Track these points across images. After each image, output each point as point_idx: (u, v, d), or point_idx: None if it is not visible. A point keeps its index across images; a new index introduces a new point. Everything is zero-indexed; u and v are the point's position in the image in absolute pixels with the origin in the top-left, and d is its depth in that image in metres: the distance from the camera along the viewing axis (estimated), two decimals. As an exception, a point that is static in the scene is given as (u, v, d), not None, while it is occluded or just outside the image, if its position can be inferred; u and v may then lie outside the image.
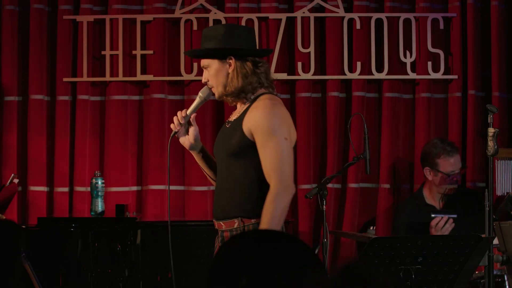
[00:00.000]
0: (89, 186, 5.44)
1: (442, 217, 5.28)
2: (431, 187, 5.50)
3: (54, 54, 5.84)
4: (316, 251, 5.18)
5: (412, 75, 5.86)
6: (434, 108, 5.88)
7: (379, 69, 5.85)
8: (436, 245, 3.98)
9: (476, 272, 4.78)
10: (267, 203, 3.74)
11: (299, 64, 5.83)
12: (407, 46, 5.85)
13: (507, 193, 5.39)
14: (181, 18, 5.84)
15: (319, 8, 5.90)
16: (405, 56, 5.86)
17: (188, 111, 4.00)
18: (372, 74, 5.84)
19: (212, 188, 5.39)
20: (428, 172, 5.47)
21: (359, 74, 5.83)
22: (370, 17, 5.85)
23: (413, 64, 5.87)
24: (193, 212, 5.77)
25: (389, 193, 5.82)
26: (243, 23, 5.77)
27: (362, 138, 4.82)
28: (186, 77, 5.82)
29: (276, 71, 5.79)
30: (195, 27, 5.82)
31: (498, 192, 5.51)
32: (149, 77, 5.83)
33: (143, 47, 5.85)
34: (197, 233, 5.21)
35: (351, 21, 5.86)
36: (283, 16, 5.84)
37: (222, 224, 3.91)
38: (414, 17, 5.86)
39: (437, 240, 4.06)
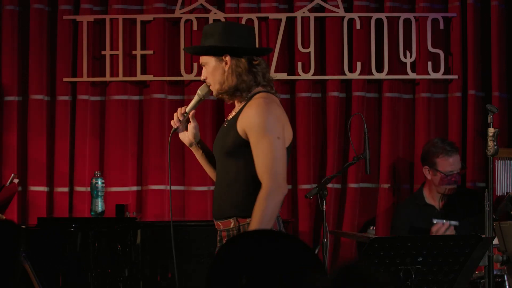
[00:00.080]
0: (89, 186, 5.44)
1: (443, 223, 5.28)
2: (430, 187, 5.50)
3: (54, 54, 5.84)
4: (316, 251, 5.18)
5: (412, 75, 5.86)
6: (434, 108, 5.88)
7: (379, 69, 5.85)
8: (436, 245, 3.98)
9: (476, 272, 4.78)
10: (258, 202, 3.74)
11: (299, 64, 5.83)
12: (407, 46, 5.86)
13: (507, 193, 5.39)
14: (181, 18, 5.84)
15: (319, 8, 5.90)
16: (405, 56, 5.86)
17: (187, 109, 4.02)
18: (372, 74, 5.84)
19: (212, 188, 5.39)
20: (427, 171, 5.48)
21: (359, 74, 5.83)
22: (370, 17, 5.85)
23: (413, 64, 5.87)
24: (193, 212, 5.77)
25: (389, 193, 5.82)
26: (243, 23, 5.77)
27: (362, 138, 4.82)
28: (186, 77, 5.82)
29: (276, 71, 5.79)
30: (195, 27, 5.82)
31: (498, 192, 5.51)
32: (149, 77, 5.83)
33: (143, 47, 5.85)
34: (197, 233, 5.21)
35: (351, 21, 5.86)
36: (283, 16, 5.84)
37: (220, 224, 3.92)
38: (414, 17, 5.86)
39: (437, 240, 4.06)
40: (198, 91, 4.02)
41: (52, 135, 5.81)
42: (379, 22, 5.86)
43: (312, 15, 5.85)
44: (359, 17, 5.84)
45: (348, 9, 5.88)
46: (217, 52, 3.91)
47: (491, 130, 4.52)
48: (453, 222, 5.31)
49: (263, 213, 3.72)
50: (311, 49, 5.84)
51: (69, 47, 5.83)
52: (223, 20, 5.80)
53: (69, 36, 5.82)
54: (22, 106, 5.81)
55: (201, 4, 5.87)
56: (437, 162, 5.42)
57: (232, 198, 3.87)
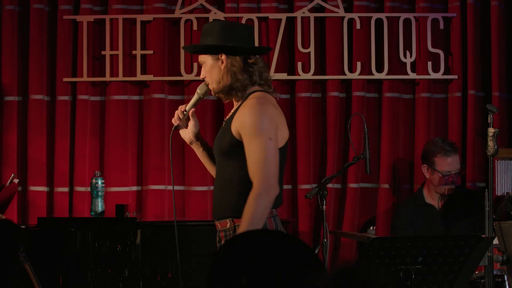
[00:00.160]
0: (89, 186, 5.44)
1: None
2: (430, 187, 5.50)
3: (54, 54, 5.84)
4: (316, 251, 5.18)
5: (412, 75, 5.86)
6: (434, 108, 5.88)
7: (379, 69, 5.85)
8: (436, 245, 3.98)
9: (476, 272, 4.78)
10: (247, 203, 3.73)
11: (299, 64, 5.83)
12: (407, 46, 5.85)
13: (507, 193, 5.39)
14: (181, 18, 5.84)
15: (319, 8, 5.90)
16: (405, 56, 5.86)
17: (187, 107, 4.03)
18: (372, 74, 5.84)
19: (212, 188, 5.39)
20: (425, 170, 5.48)
21: (359, 74, 5.83)
22: (370, 17, 5.85)
23: (413, 64, 5.87)
24: (193, 212, 5.77)
25: (389, 193, 5.82)
26: (243, 23, 5.76)
27: (362, 138, 4.82)
28: (186, 77, 5.82)
29: (276, 71, 5.79)
30: (195, 27, 5.82)
31: (498, 192, 5.51)
32: (149, 77, 5.83)
33: (143, 47, 5.85)
34: (197, 233, 5.21)
35: (351, 21, 5.86)
36: (283, 16, 5.84)
37: (218, 224, 3.93)
38: (414, 17, 5.86)
39: (437, 240, 4.06)
40: (198, 90, 4.04)
41: (52, 135, 5.81)
42: (379, 22, 5.86)
43: (312, 15, 5.85)
44: (359, 17, 5.84)
45: (348, 9, 5.88)
46: (214, 50, 3.92)
47: (491, 130, 4.52)
48: None
49: (253, 214, 3.71)
50: (311, 49, 5.84)
51: (69, 47, 5.82)
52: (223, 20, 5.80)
53: (69, 36, 5.82)
54: (22, 106, 5.81)
55: (201, 4, 5.87)
56: (435, 161, 5.42)
57: (228, 199, 3.87)
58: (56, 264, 5.14)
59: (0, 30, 5.80)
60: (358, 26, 5.83)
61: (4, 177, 5.69)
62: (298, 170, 5.78)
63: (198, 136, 4.08)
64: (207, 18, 5.82)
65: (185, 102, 5.77)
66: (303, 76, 5.82)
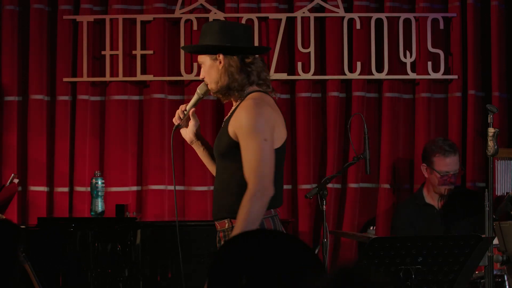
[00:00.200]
0: (89, 186, 5.44)
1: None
2: (429, 187, 5.51)
3: (54, 54, 5.84)
4: (316, 251, 5.18)
5: (412, 75, 5.86)
6: (434, 108, 5.88)
7: (379, 69, 5.85)
8: (436, 245, 3.98)
9: (476, 272, 4.78)
10: (242, 204, 3.72)
11: (299, 64, 5.83)
12: (407, 46, 5.85)
13: (507, 193, 5.39)
14: (181, 18, 5.84)
15: (319, 8, 5.90)
16: (405, 56, 5.86)
17: (187, 107, 4.04)
18: (372, 74, 5.84)
19: (212, 188, 5.39)
20: (424, 169, 5.49)
21: (359, 74, 5.83)
22: (370, 17, 5.85)
23: (413, 64, 5.87)
24: (193, 212, 5.77)
25: (389, 193, 5.82)
26: (243, 23, 5.76)
27: (362, 138, 4.82)
28: (186, 77, 5.82)
29: (276, 71, 5.79)
30: (195, 27, 5.82)
31: (498, 192, 5.51)
32: (149, 77, 5.83)
33: (143, 47, 5.85)
34: (197, 233, 5.21)
35: (351, 21, 5.86)
36: (283, 16, 5.84)
37: (217, 224, 3.93)
38: (414, 17, 5.86)
39: (437, 240, 4.06)
40: (197, 90, 4.05)
41: (52, 135, 5.81)
42: (379, 22, 5.86)
43: (312, 15, 5.85)
44: (359, 17, 5.84)
45: (348, 9, 5.88)
46: (211, 51, 3.92)
47: (491, 130, 4.52)
48: None
49: (247, 216, 3.70)
50: (311, 49, 5.84)
51: (69, 47, 5.82)
52: (223, 20, 5.79)
53: (69, 36, 5.82)
54: (22, 106, 5.81)
55: (201, 4, 5.87)
56: (434, 161, 5.42)
57: (226, 199, 3.88)
58: (56, 264, 5.14)
59: (0, 30, 5.80)
60: (358, 26, 5.84)
61: (4, 177, 5.69)
62: (298, 170, 5.78)
63: (198, 136, 4.10)
64: (207, 18, 5.82)
65: (185, 102, 5.76)
66: (303, 76, 5.82)
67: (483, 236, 4.22)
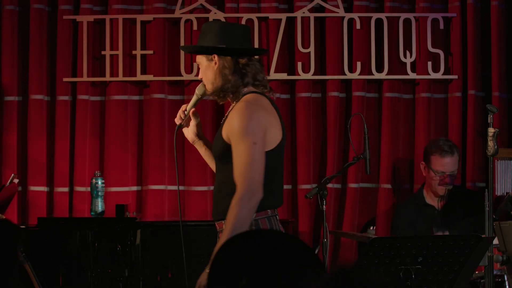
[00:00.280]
0: (89, 186, 5.44)
1: (443, 234, 5.28)
2: (428, 187, 5.51)
3: (54, 54, 5.84)
4: (316, 251, 5.18)
5: (412, 75, 5.86)
6: (434, 108, 5.88)
7: (379, 69, 5.85)
8: (436, 245, 3.98)
9: (476, 272, 4.78)
10: (230, 207, 3.71)
11: (299, 64, 5.83)
12: (407, 46, 5.85)
13: (507, 193, 5.39)
14: (181, 18, 5.84)
15: (319, 8, 5.90)
16: (405, 56, 5.85)
17: (187, 107, 4.05)
18: (372, 74, 5.84)
19: (212, 188, 5.39)
20: (423, 167, 5.50)
21: (359, 74, 5.83)
22: (370, 17, 5.84)
23: (413, 64, 5.87)
24: (193, 212, 5.77)
25: (389, 193, 5.82)
26: (243, 23, 5.77)
27: (362, 138, 4.82)
28: (186, 77, 5.82)
29: (276, 71, 5.79)
30: (195, 27, 5.82)
31: (498, 192, 5.51)
32: (149, 77, 5.83)
33: (143, 47, 5.85)
34: (197, 233, 5.20)
35: (351, 21, 5.86)
36: (283, 16, 5.84)
37: (216, 225, 3.94)
38: (414, 17, 5.86)
39: (437, 240, 4.06)
40: (196, 91, 4.05)
41: (52, 135, 5.81)
42: (379, 22, 5.85)
43: (312, 15, 5.85)
44: (359, 17, 5.84)
45: (348, 9, 5.88)
46: (207, 51, 3.92)
47: (491, 130, 4.52)
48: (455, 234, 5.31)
49: (234, 219, 3.68)
50: (311, 49, 5.84)
51: (69, 47, 5.82)
52: (223, 20, 5.79)
53: (69, 36, 5.82)
54: (22, 106, 5.81)
55: (201, 4, 5.87)
56: (431, 160, 5.43)
57: (223, 200, 3.87)
58: (56, 264, 5.14)
59: (0, 30, 5.80)
60: (358, 26, 5.83)
61: (4, 177, 5.69)
62: (298, 170, 5.77)
63: (200, 135, 4.10)
64: (207, 18, 5.82)
65: (185, 102, 5.77)
66: (303, 76, 5.82)
67: (483, 236, 4.22)
